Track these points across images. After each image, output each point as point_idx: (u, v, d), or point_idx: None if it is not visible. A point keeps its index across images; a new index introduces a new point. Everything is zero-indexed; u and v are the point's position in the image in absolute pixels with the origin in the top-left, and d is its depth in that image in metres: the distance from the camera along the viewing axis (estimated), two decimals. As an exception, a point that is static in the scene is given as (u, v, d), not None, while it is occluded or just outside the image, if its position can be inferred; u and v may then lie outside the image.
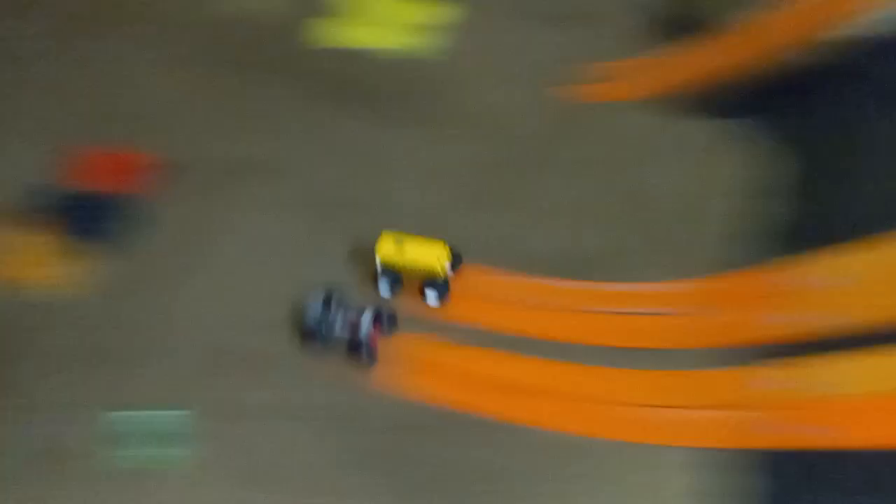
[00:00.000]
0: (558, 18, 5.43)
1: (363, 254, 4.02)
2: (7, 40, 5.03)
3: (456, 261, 3.99)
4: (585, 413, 3.67)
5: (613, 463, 3.45)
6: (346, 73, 5.07)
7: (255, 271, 4.20)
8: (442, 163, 4.68)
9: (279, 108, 4.86)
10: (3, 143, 4.57)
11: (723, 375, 3.70)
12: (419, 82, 5.07)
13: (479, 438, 3.58)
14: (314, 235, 4.33)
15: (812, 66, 4.67)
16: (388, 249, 3.89)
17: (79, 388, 3.72)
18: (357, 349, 3.76)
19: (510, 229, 4.38)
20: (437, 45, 5.27)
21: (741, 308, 3.94)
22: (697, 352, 3.90)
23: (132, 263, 4.21)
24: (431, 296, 3.98)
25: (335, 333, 3.75)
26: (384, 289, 3.99)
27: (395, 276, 3.95)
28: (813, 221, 4.17)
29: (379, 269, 3.93)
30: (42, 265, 4.14)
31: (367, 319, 3.73)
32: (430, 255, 3.89)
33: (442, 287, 3.95)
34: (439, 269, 3.89)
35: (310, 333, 3.82)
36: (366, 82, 5.04)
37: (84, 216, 4.30)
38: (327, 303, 3.77)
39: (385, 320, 3.81)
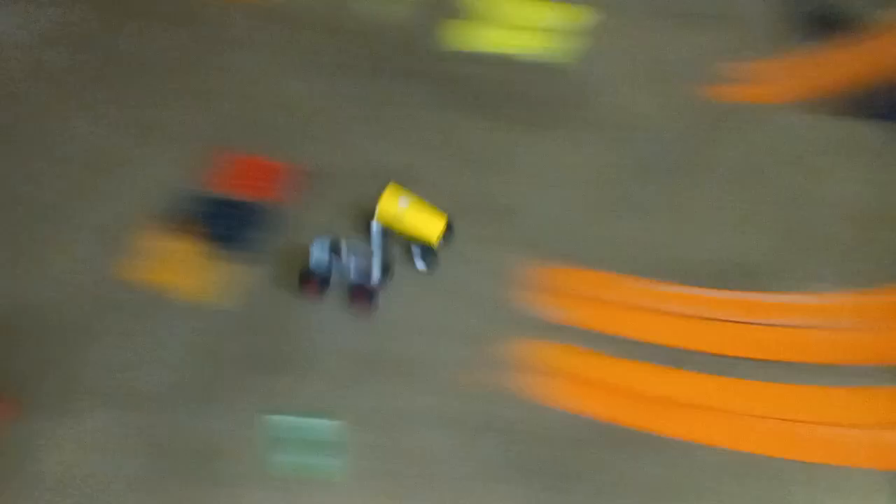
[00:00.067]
0: (696, 18, 5.22)
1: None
2: (154, 51, 5.12)
3: (449, 232, 3.96)
4: (759, 430, 3.43)
5: (800, 486, 3.19)
6: (482, 78, 4.96)
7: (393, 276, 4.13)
8: (582, 169, 4.52)
9: (416, 115, 4.78)
10: (150, 151, 4.63)
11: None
12: (556, 86, 4.93)
13: (641, 454, 3.39)
14: (453, 244, 4.23)
15: None
16: (388, 208, 3.84)
17: (231, 391, 3.70)
18: (369, 296, 3.81)
19: (657, 237, 4.18)
20: (573, 49, 5.12)
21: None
22: (871, 368, 3.62)
23: (269, 271, 4.19)
24: (419, 262, 4.05)
25: (346, 276, 3.78)
26: (376, 232, 3.90)
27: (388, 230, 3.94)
28: None
29: (374, 225, 3.87)
30: (187, 271, 4.16)
31: (377, 266, 3.77)
32: (427, 225, 3.88)
33: (430, 255, 4.01)
34: (434, 240, 3.90)
35: (315, 277, 3.83)
36: (502, 87, 4.93)
37: (227, 223, 4.31)
38: (334, 250, 3.77)
39: (387, 270, 3.92)
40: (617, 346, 3.78)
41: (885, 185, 4.14)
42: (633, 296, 3.98)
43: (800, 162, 4.37)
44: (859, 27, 4.97)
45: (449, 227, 3.95)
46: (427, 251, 4.02)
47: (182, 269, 4.17)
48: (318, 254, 3.79)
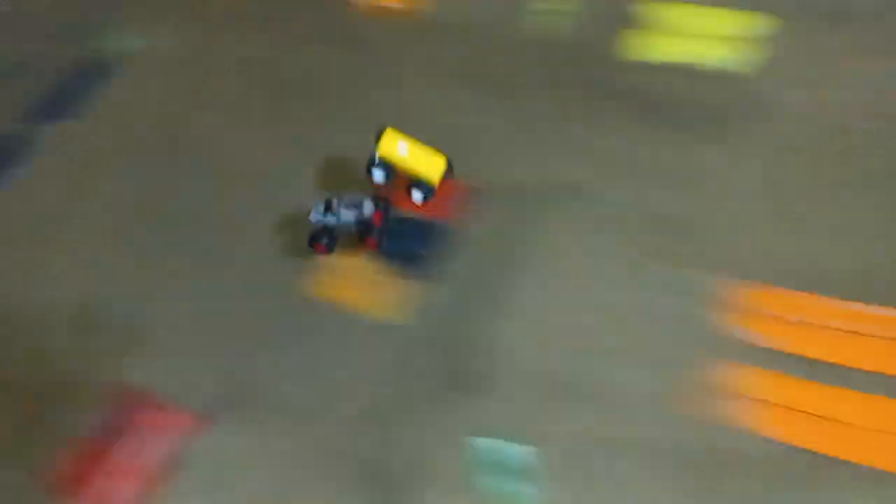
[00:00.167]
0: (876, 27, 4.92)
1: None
2: (320, 72, 5.17)
3: (449, 171, 4.21)
4: None
5: None
6: (659, 89, 4.78)
7: (577, 297, 4.00)
8: (767, 181, 4.29)
9: (590, 128, 4.64)
10: (324, 169, 4.65)
11: None
12: (736, 96, 4.70)
13: (852, 487, 3.17)
14: (633, 259, 4.08)
15: None
16: (390, 146, 4.14)
17: (428, 411, 3.65)
18: (367, 229, 4.07)
19: (855, 254, 3.92)
20: (752, 57, 4.89)
21: None
22: None
23: (448, 288, 4.12)
24: (417, 195, 4.25)
25: (342, 220, 4.05)
26: (378, 176, 4.27)
27: (390, 167, 4.21)
28: None
29: (376, 159, 4.20)
30: (367, 287, 4.15)
31: (368, 202, 4.08)
32: (428, 162, 4.15)
33: (428, 190, 4.20)
34: (435, 177, 4.16)
35: (317, 230, 4.11)
36: (681, 98, 4.73)
37: (401, 240, 4.28)
38: (328, 206, 4.07)
39: (384, 206, 4.14)
40: (817, 370, 3.55)
41: None
42: (833, 317, 3.74)
43: None
44: None
45: (449, 166, 4.21)
46: (426, 188, 4.23)
47: (362, 285, 4.15)
48: (316, 216, 4.09)
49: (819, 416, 3.47)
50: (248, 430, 3.72)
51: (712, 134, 4.53)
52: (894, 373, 3.55)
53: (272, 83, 5.14)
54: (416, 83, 4.94)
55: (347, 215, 4.10)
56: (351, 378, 3.84)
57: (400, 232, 4.30)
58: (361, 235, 4.14)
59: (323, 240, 4.15)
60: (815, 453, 3.33)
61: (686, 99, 4.71)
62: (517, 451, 3.43)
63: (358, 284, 4.15)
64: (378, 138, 4.20)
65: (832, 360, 3.63)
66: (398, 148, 4.18)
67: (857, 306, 3.76)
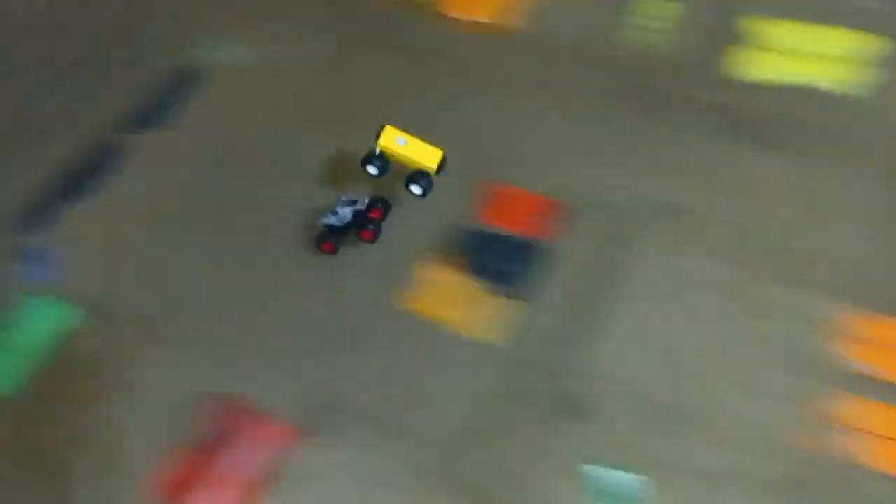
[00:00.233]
0: None
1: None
2: (398, 80, 5.16)
3: (442, 165, 4.27)
4: None
5: None
6: (764, 110, 4.69)
7: (680, 319, 3.93)
8: (876, 207, 4.18)
9: (689, 148, 4.57)
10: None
11: None
12: (843, 119, 4.59)
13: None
14: (736, 281, 4.00)
15: None
16: (390, 138, 4.24)
17: (529, 434, 3.61)
18: (363, 222, 4.28)
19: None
20: (866, 80, 4.76)
21: None
22: None
23: (544, 307, 4.08)
24: (416, 189, 4.27)
25: (342, 218, 4.24)
26: (372, 170, 4.32)
27: (387, 161, 4.29)
28: None
29: (376, 152, 4.27)
30: (461, 305, 4.12)
31: (363, 197, 4.30)
32: (425, 152, 4.22)
33: (427, 182, 4.25)
34: (432, 166, 4.21)
35: (322, 231, 4.31)
36: (787, 119, 4.64)
37: (495, 257, 4.25)
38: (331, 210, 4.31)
39: (384, 206, 4.38)
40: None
41: None
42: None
43: None
44: None
45: (443, 160, 4.28)
46: (424, 179, 4.26)
47: (456, 302, 4.13)
48: (320, 217, 4.34)
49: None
50: (343, 444, 3.72)
51: (820, 156, 4.44)
52: None
53: (360, 95, 5.14)
54: (507, 97, 4.91)
55: (346, 213, 4.29)
56: (449, 396, 3.83)
57: (492, 249, 4.27)
58: (359, 227, 4.32)
59: (330, 238, 4.34)
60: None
61: (793, 120, 4.62)
62: (627, 480, 3.38)
63: (453, 301, 4.12)
64: (378, 135, 4.29)
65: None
66: (397, 140, 4.28)
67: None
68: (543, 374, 3.86)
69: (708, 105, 4.76)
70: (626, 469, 3.41)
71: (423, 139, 4.76)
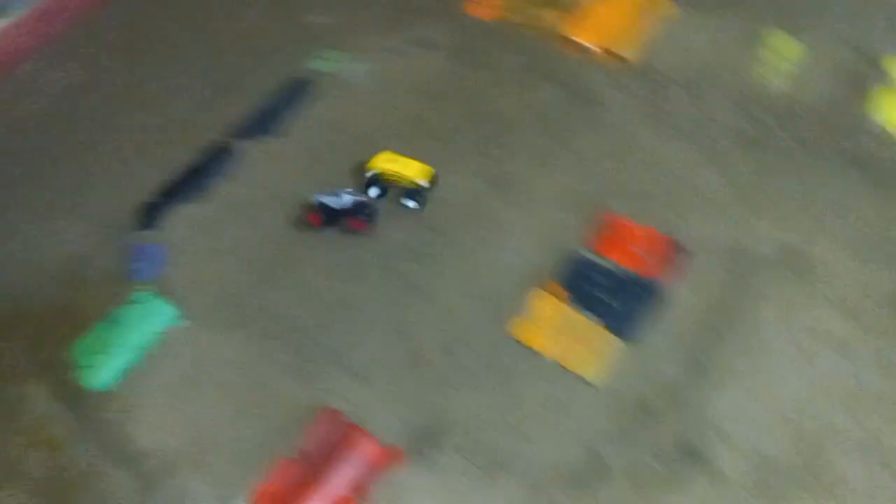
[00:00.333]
0: None
1: None
2: (515, 104, 5.09)
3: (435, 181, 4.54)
4: None
5: None
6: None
7: (796, 372, 3.75)
8: None
9: (812, 193, 4.37)
10: (523, 207, 4.56)
11: None
12: None
13: None
14: (858, 337, 3.78)
15: None
16: (381, 162, 4.59)
17: (655, 481, 3.48)
18: (357, 210, 4.47)
19: None
20: None
21: None
22: None
23: (654, 349, 3.94)
24: (411, 203, 4.55)
25: (341, 202, 4.46)
26: (373, 192, 4.64)
27: (383, 185, 4.61)
28: None
29: (369, 177, 4.61)
30: (569, 338, 4.00)
31: (366, 197, 4.53)
32: (414, 168, 4.52)
33: (421, 197, 4.52)
34: (421, 179, 4.48)
35: (316, 206, 4.50)
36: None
37: (607, 292, 4.13)
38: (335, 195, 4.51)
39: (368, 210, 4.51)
40: None
41: None
42: None
43: None
44: None
45: (435, 177, 4.55)
46: (418, 195, 4.54)
47: (562, 334, 4.01)
48: (318, 196, 4.53)
49: None
50: (439, 469, 3.64)
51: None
52: None
53: (468, 114, 5.09)
54: (628, 130, 4.79)
55: (347, 199, 4.48)
56: (549, 432, 3.72)
57: (603, 283, 4.14)
58: (354, 213, 4.48)
59: (318, 213, 4.51)
60: None
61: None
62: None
63: (559, 332, 4.01)
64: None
65: None
66: (388, 160, 4.61)
67: None
68: (647, 421, 3.72)
69: (840, 150, 4.56)
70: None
71: (537, 163, 4.70)
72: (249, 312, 4.35)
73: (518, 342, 4.02)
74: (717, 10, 5.23)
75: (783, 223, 4.24)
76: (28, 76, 6.18)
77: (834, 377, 3.69)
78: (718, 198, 4.39)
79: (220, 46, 5.96)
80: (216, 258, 4.62)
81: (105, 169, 5.33)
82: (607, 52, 5.14)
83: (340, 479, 3.62)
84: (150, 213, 4.80)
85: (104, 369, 4.17)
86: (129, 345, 4.22)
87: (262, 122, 5.17)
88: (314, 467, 3.67)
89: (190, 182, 4.94)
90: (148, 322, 4.30)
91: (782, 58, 4.87)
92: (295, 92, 5.33)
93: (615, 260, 4.21)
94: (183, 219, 4.81)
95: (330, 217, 4.53)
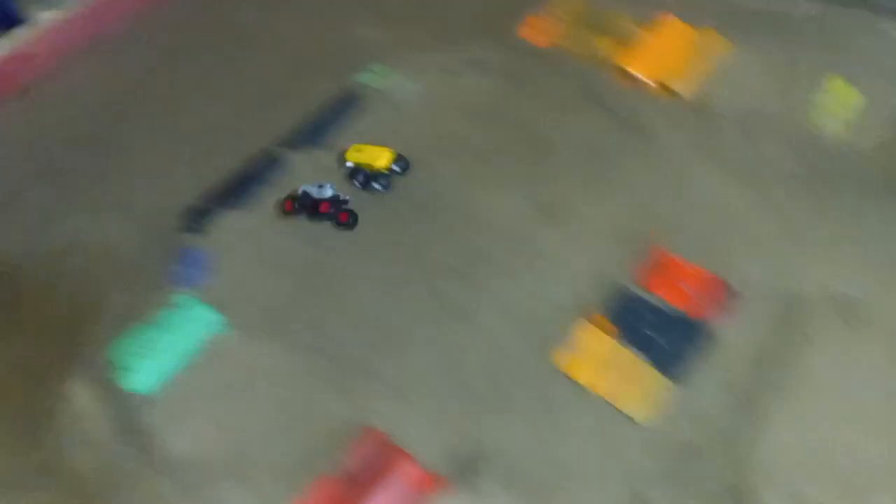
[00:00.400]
0: None
1: None
2: (564, 131, 5.09)
3: (403, 164, 4.95)
4: None
5: None
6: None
7: (845, 422, 3.71)
8: None
9: (867, 240, 4.33)
10: (567, 236, 4.55)
11: None
12: None
13: None
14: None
15: None
16: (352, 154, 4.95)
17: None
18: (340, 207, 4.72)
19: None
20: None
21: None
22: None
23: (700, 390, 3.92)
24: (376, 186, 4.87)
25: (322, 193, 4.72)
26: (358, 181, 4.91)
27: (365, 172, 4.90)
28: None
29: (350, 168, 4.95)
30: (616, 374, 3.98)
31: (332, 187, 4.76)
32: (377, 155, 4.87)
33: (384, 180, 4.88)
34: (382, 166, 4.87)
35: (295, 193, 4.75)
36: None
37: (654, 330, 4.11)
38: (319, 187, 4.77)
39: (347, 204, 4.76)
40: None
41: None
42: None
43: None
44: None
45: (402, 159, 4.93)
46: (382, 178, 4.87)
47: (609, 369, 3.99)
48: (304, 186, 4.77)
49: None
50: (479, 498, 3.63)
51: None
52: None
53: (525, 140, 5.08)
54: (679, 165, 4.78)
55: (326, 190, 4.74)
56: (592, 469, 3.70)
57: (650, 319, 4.13)
58: (333, 204, 4.72)
59: (295, 201, 4.74)
60: None
61: None
62: None
63: (605, 367, 3.99)
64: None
65: None
66: (357, 151, 4.95)
67: None
68: (693, 463, 3.69)
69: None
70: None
71: (586, 192, 4.69)
72: (292, 324, 4.35)
73: (563, 374, 3.99)
74: (773, 51, 5.22)
75: (837, 270, 4.20)
76: (75, 72, 6.24)
77: (886, 427, 3.65)
78: (770, 240, 4.35)
79: (270, 53, 6.00)
80: (260, 267, 4.63)
81: (148, 169, 5.36)
82: (661, 85, 5.12)
83: (382, 501, 3.60)
84: (196, 218, 4.81)
85: (146, 373, 4.17)
86: (171, 350, 4.22)
87: (311, 134, 5.18)
88: (355, 488, 3.65)
89: (237, 189, 4.95)
90: (191, 328, 4.30)
91: (839, 102, 4.85)
92: (344, 105, 5.35)
93: (664, 297, 4.18)
94: (229, 225, 4.82)
95: (305, 205, 4.73)
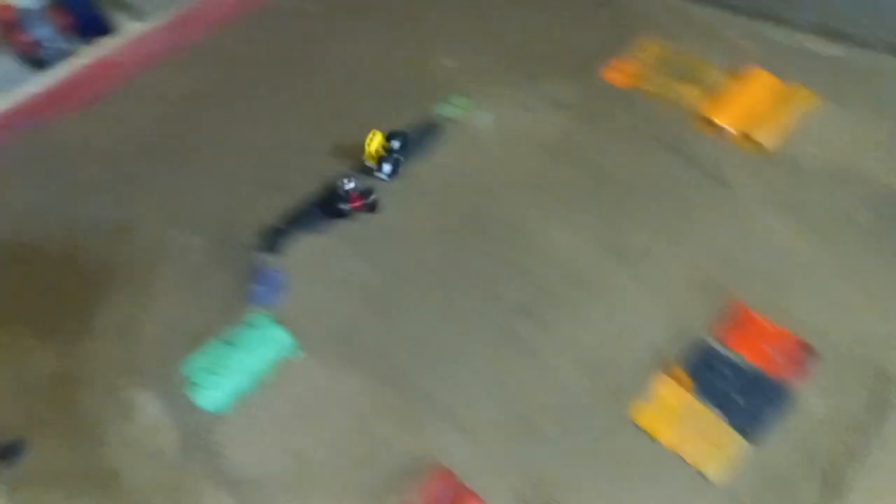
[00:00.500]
0: None
1: None
2: (643, 175, 5.05)
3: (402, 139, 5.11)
4: None
5: None
6: None
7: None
8: None
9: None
10: (640, 281, 4.50)
11: None
12: None
13: None
14: None
15: None
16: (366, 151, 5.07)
17: None
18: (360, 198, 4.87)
19: None
20: None
21: None
22: None
23: (772, 453, 3.82)
24: (381, 174, 5.12)
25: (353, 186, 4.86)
26: (387, 169, 5.13)
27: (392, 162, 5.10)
28: None
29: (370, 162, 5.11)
30: (689, 430, 3.90)
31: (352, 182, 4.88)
32: (369, 139, 5.05)
33: (389, 163, 5.10)
34: (373, 150, 5.06)
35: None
36: None
37: (729, 384, 4.02)
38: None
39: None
40: None
41: None
42: None
43: None
44: None
45: (396, 137, 5.08)
46: (386, 161, 5.08)
47: (682, 423, 3.92)
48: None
49: None
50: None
51: None
52: None
53: (600, 181, 5.06)
54: (759, 218, 4.70)
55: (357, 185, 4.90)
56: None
57: (727, 375, 4.05)
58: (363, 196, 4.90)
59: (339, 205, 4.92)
60: None
61: None
62: None
63: (679, 421, 3.92)
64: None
65: None
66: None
67: None
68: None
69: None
70: None
71: (662, 238, 4.64)
72: (363, 352, 4.35)
73: (635, 425, 3.93)
74: (858, 107, 5.14)
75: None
76: (152, 81, 6.36)
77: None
78: (853, 304, 4.25)
79: (348, 76, 6.06)
80: (333, 291, 4.65)
81: (222, 183, 5.43)
82: (744, 135, 5.06)
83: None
84: (273, 238, 4.85)
85: (217, 390, 4.20)
86: (243, 369, 4.25)
87: (388, 161, 5.20)
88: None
89: (313, 212, 4.98)
90: (264, 348, 4.32)
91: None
92: (423, 134, 5.37)
93: (743, 354, 4.10)
94: (304, 247, 4.86)
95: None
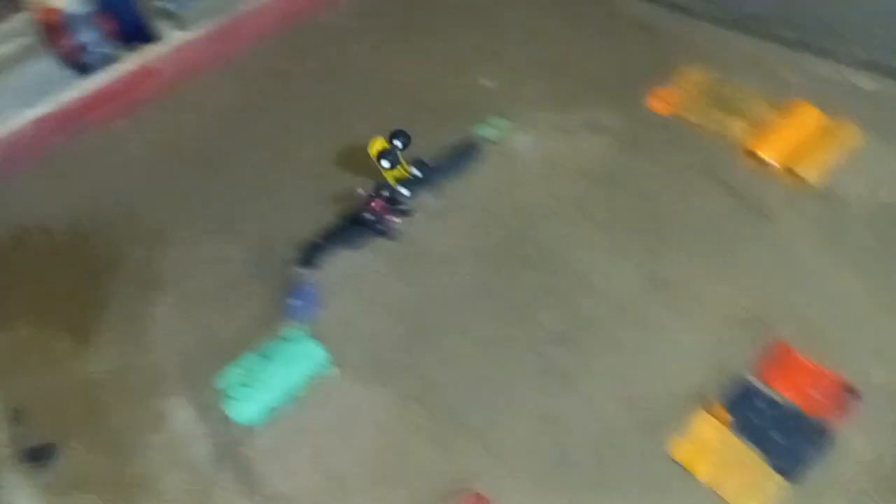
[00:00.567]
0: None
1: None
2: (689, 209, 5.01)
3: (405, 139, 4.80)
4: None
5: None
6: None
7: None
8: None
9: None
10: (682, 316, 4.45)
11: None
12: None
13: None
14: None
15: None
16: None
17: None
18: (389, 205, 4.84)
19: None
20: None
21: None
22: None
23: (813, 495, 3.75)
24: (402, 189, 4.84)
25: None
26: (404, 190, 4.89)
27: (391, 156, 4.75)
28: None
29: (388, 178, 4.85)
30: (723, 465, 3.85)
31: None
32: (372, 143, 4.78)
33: (388, 157, 4.74)
34: (373, 152, 4.74)
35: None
36: None
37: (767, 423, 3.97)
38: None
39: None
40: None
41: None
42: None
43: None
44: None
45: (398, 136, 4.79)
46: (406, 181, 4.87)
47: (720, 461, 3.86)
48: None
49: None
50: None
51: None
52: None
53: (640, 210, 5.03)
54: (802, 254, 4.64)
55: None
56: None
57: (766, 413, 3.99)
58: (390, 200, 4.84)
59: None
60: None
61: None
62: None
63: (716, 458, 3.86)
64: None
65: None
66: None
67: None
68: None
69: None
70: None
71: (702, 271, 4.60)
72: (398, 372, 4.34)
73: (672, 459, 3.88)
74: (906, 144, 5.09)
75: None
76: (193, 90, 6.42)
77: None
78: (883, 332, 4.20)
79: (388, 93, 6.08)
80: (370, 309, 4.65)
81: (260, 195, 5.46)
82: (788, 170, 5.02)
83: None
84: (311, 252, 4.86)
85: (251, 404, 4.20)
86: (278, 384, 4.24)
87: (427, 181, 5.19)
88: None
89: (349, 227, 4.99)
90: (300, 363, 4.32)
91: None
92: (463, 155, 5.37)
93: (782, 392, 4.04)
94: (341, 264, 4.86)
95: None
